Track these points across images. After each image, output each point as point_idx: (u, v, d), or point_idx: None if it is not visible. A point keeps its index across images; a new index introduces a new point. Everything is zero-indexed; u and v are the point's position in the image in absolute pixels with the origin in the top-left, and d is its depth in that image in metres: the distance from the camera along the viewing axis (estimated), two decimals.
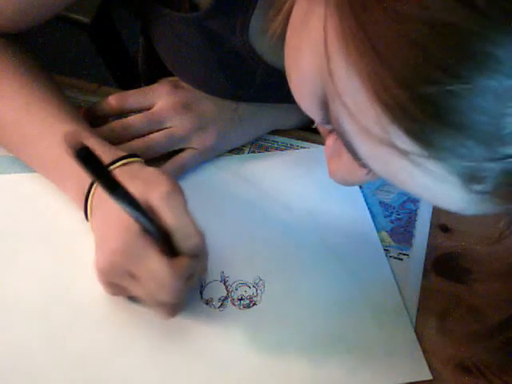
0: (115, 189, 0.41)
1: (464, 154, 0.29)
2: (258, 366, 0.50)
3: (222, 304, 0.53)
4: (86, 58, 1.15)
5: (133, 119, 0.60)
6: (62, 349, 0.49)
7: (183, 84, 0.64)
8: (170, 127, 0.61)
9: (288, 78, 0.40)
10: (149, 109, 0.62)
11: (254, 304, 0.54)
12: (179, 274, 0.46)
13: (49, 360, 0.49)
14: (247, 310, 0.53)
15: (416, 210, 0.62)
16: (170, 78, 0.65)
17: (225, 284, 0.55)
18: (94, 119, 0.62)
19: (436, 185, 0.32)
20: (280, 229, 0.59)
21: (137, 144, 0.60)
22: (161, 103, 0.61)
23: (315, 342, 0.52)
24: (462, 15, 0.27)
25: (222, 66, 0.61)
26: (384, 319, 0.53)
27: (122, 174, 0.49)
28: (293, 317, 0.53)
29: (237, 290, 0.54)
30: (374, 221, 0.60)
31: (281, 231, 0.59)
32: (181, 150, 0.62)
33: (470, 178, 0.31)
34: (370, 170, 0.38)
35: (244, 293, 0.54)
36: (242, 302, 0.54)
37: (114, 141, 0.58)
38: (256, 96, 0.64)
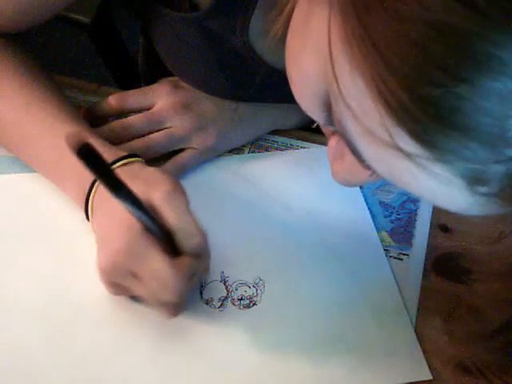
0: (118, 188, 0.41)
1: (468, 156, 0.29)
2: (258, 366, 0.50)
3: (222, 304, 0.53)
4: (86, 57, 1.15)
5: (133, 119, 0.60)
6: (62, 349, 0.49)
7: (183, 84, 0.64)
8: (170, 127, 0.61)
9: (289, 79, 0.40)
10: (149, 109, 0.62)
11: (254, 304, 0.54)
12: (181, 274, 0.46)
13: (49, 360, 0.49)
14: (247, 309, 0.53)
15: (416, 210, 0.62)
16: (170, 78, 0.65)
17: (225, 284, 0.55)
18: (94, 119, 0.62)
19: (440, 187, 0.32)
20: (280, 229, 0.59)
21: (137, 144, 0.60)
22: (161, 103, 0.61)
23: (315, 341, 0.52)
24: (462, 16, 0.27)
25: (222, 66, 0.61)
26: (384, 319, 0.53)
27: (123, 173, 0.48)
28: (293, 317, 0.53)
29: (237, 289, 0.54)
30: (374, 221, 0.60)
31: (281, 231, 0.59)
32: (181, 150, 0.62)
33: (474, 180, 0.31)
34: (373, 172, 0.38)
35: (244, 293, 0.54)
36: (241, 301, 0.54)
37: (114, 141, 0.58)
38: (256, 96, 0.64)
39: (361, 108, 0.32)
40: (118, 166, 0.51)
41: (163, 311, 0.50)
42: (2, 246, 0.55)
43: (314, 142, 0.67)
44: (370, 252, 0.58)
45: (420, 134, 0.30)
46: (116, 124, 0.60)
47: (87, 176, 0.51)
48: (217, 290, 0.54)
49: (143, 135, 0.60)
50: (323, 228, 0.59)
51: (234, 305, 0.53)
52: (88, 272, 0.52)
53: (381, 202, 0.62)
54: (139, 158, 0.53)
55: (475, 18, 0.27)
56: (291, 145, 0.67)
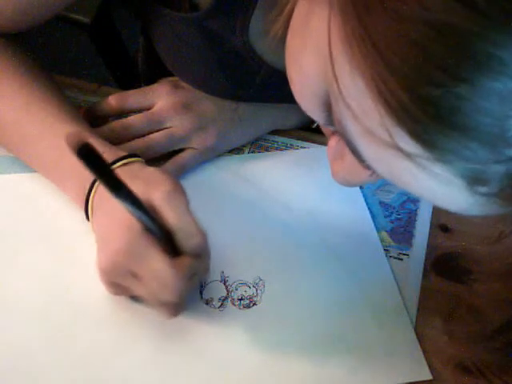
0: (118, 188, 0.40)
1: (468, 156, 0.29)
2: (258, 366, 0.50)
3: (222, 304, 0.53)
4: (86, 57, 1.15)
5: (133, 119, 0.60)
6: (62, 349, 0.49)
7: (183, 84, 0.64)
8: (170, 127, 0.61)
9: (289, 79, 0.40)
10: (149, 109, 0.62)
11: (254, 304, 0.54)
12: (182, 274, 0.46)
13: (49, 360, 0.49)
14: (247, 309, 0.53)
15: (416, 210, 0.62)
16: (170, 78, 0.65)
17: (225, 284, 0.55)
18: (94, 119, 0.62)
19: (440, 187, 0.32)
20: (280, 229, 0.59)
21: (137, 144, 0.60)
22: (161, 103, 0.61)
23: (315, 341, 0.52)
24: (462, 16, 0.27)
25: (222, 66, 0.61)
26: (384, 319, 0.53)
27: (123, 173, 0.48)
28: (293, 317, 0.53)
29: (237, 289, 0.54)
30: (374, 221, 0.60)
31: (281, 231, 0.59)
32: (181, 150, 0.62)
33: (474, 180, 0.31)
34: (373, 172, 0.38)
35: (244, 293, 0.54)
36: (241, 301, 0.54)
37: (114, 141, 0.58)
38: (256, 96, 0.64)
39: (361, 108, 0.32)
40: (118, 166, 0.51)
41: (163, 311, 0.50)
42: (2, 245, 0.55)
43: (314, 142, 0.67)
44: (370, 252, 0.58)
45: (420, 134, 0.30)
46: (116, 124, 0.60)
47: (87, 176, 0.51)
48: (217, 290, 0.54)
49: (143, 135, 0.60)
50: (323, 228, 0.59)
51: (234, 305, 0.53)
52: (88, 272, 0.52)
53: (381, 202, 0.62)
54: (139, 158, 0.53)
55: (475, 17, 0.27)
56: (291, 145, 0.67)
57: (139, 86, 0.65)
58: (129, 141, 0.60)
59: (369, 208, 0.61)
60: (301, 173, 0.64)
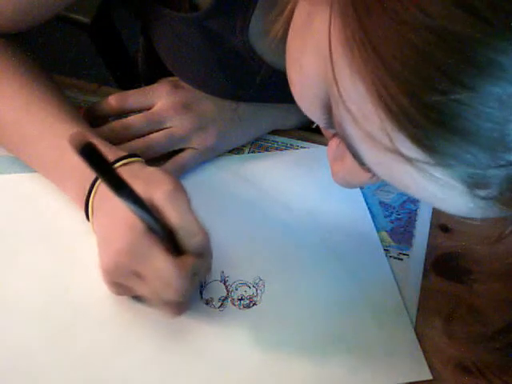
0: (120, 187, 0.41)
1: (469, 161, 0.29)
2: (258, 366, 0.50)
3: (222, 304, 0.53)
4: (86, 57, 1.16)
5: (133, 119, 0.60)
6: (62, 349, 0.49)
7: (183, 84, 0.63)
8: (170, 127, 0.61)
9: (289, 80, 0.40)
10: (149, 109, 0.62)
11: (254, 304, 0.54)
12: (185, 273, 0.46)
13: (49, 360, 0.49)
14: (247, 309, 0.53)
15: (416, 210, 0.62)
16: (170, 78, 0.65)
17: (225, 284, 0.55)
18: (94, 119, 0.62)
19: (440, 190, 0.32)
20: (280, 229, 0.59)
21: (137, 144, 0.60)
22: (161, 103, 0.61)
23: (315, 341, 0.52)
24: (463, 22, 0.27)
25: (222, 66, 0.61)
26: (384, 319, 0.53)
27: (124, 173, 0.48)
28: (293, 317, 0.53)
29: (237, 289, 0.54)
30: (374, 221, 0.60)
31: (281, 231, 0.59)
32: (181, 150, 0.62)
33: (474, 185, 0.31)
34: (373, 174, 0.38)
35: (244, 293, 0.54)
36: (242, 301, 0.54)
37: (114, 141, 0.57)
38: (256, 96, 0.64)
39: (361, 112, 0.32)
40: (119, 166, 0.51)
41: (166, 311, 0.50)
42: (2, 245, 0.55)
43: (314, 142, 0.67)
44: (370, 252, 0.58)
45: (420, 139, 0.30)
46: (116, 124, 0.60)
47: (87, 176, 0.51)
48: (217, 290, 0.54)
49: (143, 135, 0.60)
50: (323, 228, 0.59)
51: (234, 305, 0.53)
52: (88, 272, 0.52)
53: (381, 202, 0.62)
54: (139, 158, 0.53)
55: (476, 24, 0.27)
56: (291, 145, 0.67)
57: (139, 86, 0.65)
58: (129, 141, 0.60)
59: (369, 208, 0.61)
60: (301, 173, 0.64)
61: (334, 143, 0.43)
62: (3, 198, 0.58)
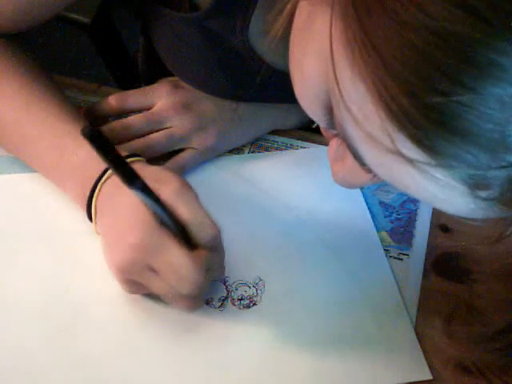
0: (134, 180, 0.41)
1: (469, 162, 0.29)
2: (258, 366, 0.50)
3: (222, 304, 0.53)
4: (86, 57, 1.15)
5: (133, 119, 0.60)
6: (62, 349, 0.49)
7: (183, 84, 0.64)
8: (170, 127, 0.61)
9: (292, 80, 0.40)
10: (149, 109, 0.62)
11: (254, 304, 0.54)
12: (200, 266, 0.47)
13: (49, 360, 0.49)
14: (247, 309, 0.53)
15: (416, 210, 0.62)
16: (170, 78, 0.65)
17: (225, 284, 0.55)
18: (94, 119, 0.62)
19: (441, 191, 0.32)
20: (280, 229, 0.59)
21: (137, 144, 0.59)
22: (161, 103, 0.61)
23: (315, 341, 0.52)
24: (464, 22, 0.27)
25: (222, 66, 0.61)
26: (384, 319, 0.53)
27: None
28: (293, 317, 0.53)
29: (237, 289, 0.54)
30: (373, 221, 0.60)
31: (281, 231, 0.59)
32: (181, 150, 0.62)
33: (475, 185, 0.31)
34: (374, 175, 0.38)
35: (244, 293, 0.54)
36: (242, 302, 0.54)
37: (114, 141, 0.58)
38: (256, 96, 0.64)
39: (362, 112, 0.32)
40: None
41: (182, 305, 0.50)
42: (2, 245, 0.55)
43: (313, 142, 0.67)
44: (370, 252, 0.58)
45: (421, 140, 0.30)
46: (116, 124, 0.60)
47: (88, 176, 0.51)
48: (217, 290, 0.54)
49: (143, 135, 0.60)
50: (323, 228, 0.59)
51: (234, 305, 0.53)
52: (88, 272, 0.52)
53: (381, 202, 0.62)
54: (141, 158, 0.53)
55: (477, 24, 0.27)
56: (291, 145, 0.67)
57: (139, 86, 0.65)
58: (129, 141, 0.60)
59: (369, 208, 0.61)
60: (301, 173, 0.64)
61: (334, 143, 0.43)
62: (3, 198, 0.58)
